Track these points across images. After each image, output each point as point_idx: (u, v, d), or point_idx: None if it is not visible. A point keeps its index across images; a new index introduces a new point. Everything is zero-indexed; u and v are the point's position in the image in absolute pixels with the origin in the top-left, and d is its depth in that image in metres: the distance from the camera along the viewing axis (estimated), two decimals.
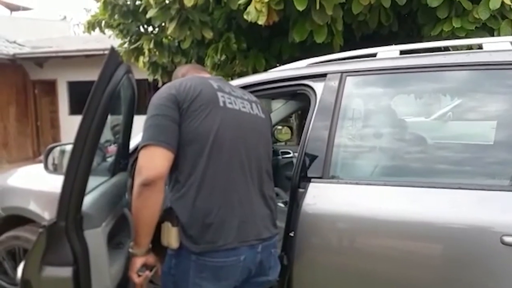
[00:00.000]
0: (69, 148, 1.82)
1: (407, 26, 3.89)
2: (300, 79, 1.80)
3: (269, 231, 1.41)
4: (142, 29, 5.20)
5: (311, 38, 3.05)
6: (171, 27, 3.33)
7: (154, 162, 1.22)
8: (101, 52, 7.99)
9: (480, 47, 1.60)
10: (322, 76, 1.73)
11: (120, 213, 1.60)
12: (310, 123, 1.69)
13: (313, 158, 1.63)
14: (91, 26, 5.30)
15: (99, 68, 1.23)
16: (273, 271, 1.46)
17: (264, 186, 1.43)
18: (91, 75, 1.79)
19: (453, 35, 2.86)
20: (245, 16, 2.81)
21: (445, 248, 1.38)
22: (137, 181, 1.23)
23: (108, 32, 5.36)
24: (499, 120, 1.53)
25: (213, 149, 1.28)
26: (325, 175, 1.59)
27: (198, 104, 1.29)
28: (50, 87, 9.86)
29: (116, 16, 4.50)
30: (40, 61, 9.62)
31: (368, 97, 1.77)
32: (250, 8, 2.74)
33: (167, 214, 1.31)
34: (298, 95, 1.85)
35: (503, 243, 1.26)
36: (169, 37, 4.45)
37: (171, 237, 1.28)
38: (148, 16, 3.45)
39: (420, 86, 1.66)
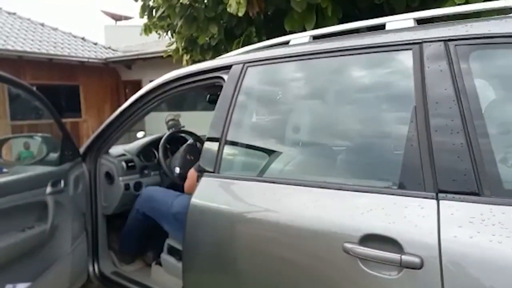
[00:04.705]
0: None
1: None
2: (214, 71, 1.76)
3: None
4: None
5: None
6: (179, 24, 3.46)
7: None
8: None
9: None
10: (229, 67, 1.67)
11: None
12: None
13: (209, 151, 1.59)
14: (148, 28, 5.75)
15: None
16: None
17: None
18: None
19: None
20: (228, 9, 2.79)
21: (295, 252, 1.23)
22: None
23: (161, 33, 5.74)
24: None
25: None
26: (216, 169, 1.54)
27: None
28: (136, 86, 10.91)
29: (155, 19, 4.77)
30: (129, 63, 10.72)
31: (266, 87, 1.65)
32: (231, 1, 2.72)
33: None
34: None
35: (344, 250, 1.10)
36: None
37: None
38: (157, 15, 3.62)
39: (319, 72, 1.49)
